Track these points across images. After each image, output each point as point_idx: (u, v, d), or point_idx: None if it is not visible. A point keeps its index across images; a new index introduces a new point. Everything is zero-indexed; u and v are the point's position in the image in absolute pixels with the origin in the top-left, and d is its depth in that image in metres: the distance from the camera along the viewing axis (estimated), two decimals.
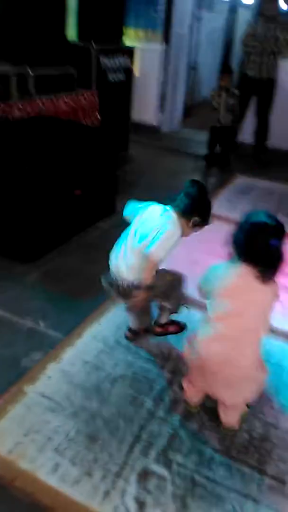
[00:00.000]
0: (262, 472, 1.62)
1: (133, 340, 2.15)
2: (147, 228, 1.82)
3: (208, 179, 4.43)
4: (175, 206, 1.86)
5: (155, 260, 1.77)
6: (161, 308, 2.13)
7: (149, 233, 1.79)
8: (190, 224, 1.85)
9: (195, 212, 1.84)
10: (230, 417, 1.74)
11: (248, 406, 1.82)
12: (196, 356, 1.63)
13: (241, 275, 1.54)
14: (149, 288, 1.83)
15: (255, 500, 1.52)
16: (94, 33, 3.99)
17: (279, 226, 1.51)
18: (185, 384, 1.83)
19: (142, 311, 2.08)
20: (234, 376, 1.61)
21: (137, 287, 1.84)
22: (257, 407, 1.86)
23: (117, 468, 1.57)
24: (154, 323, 2.20)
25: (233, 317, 1.55)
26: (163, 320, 2.17)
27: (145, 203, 1.95)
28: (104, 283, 2.00)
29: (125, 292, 1.90)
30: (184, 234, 1.86)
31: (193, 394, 1.80)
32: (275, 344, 2.20)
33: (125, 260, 1.88)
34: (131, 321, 2.15)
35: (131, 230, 1.92)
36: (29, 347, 2.06)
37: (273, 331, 2.28)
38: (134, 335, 2.15)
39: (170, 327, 2.19)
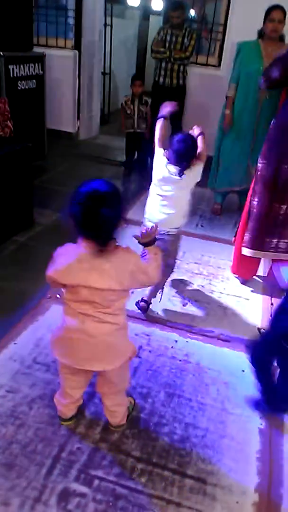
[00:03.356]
0: (182, 474, 1.65)
1: (147, 310, 2.49)
2: None
3: (127, 185, 4.47)
4: None
5: None
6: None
7: None
8: None
9: None
10: (115, 416, 1.73)
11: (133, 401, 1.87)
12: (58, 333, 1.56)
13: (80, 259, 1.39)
14: None
15: (177, 504, 1.55)
16: (1, 41, 3.87)
17: (112, 192, 1.34)
18: (55, 401, 1.76)
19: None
20: (90, 344, 1.49)
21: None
22: (176, 409, 1.90)
23: (36, 493, 1.52)
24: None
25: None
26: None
27: None
28: None
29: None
30: None
31: (64, 409, 1.74)
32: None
33: None
34: (150, 292, 2.47)
35: None
36: None
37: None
38: (148, 305, 2.50)
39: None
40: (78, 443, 1.70)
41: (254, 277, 2.93)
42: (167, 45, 4.55)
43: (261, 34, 3.46)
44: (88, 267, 1.38)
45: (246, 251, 2.68)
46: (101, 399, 1.74)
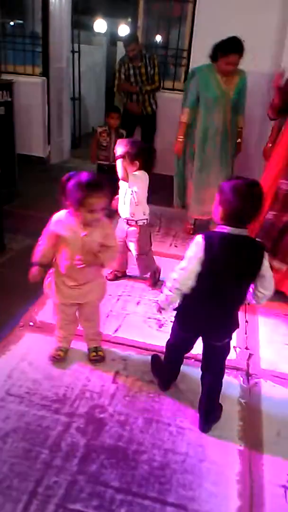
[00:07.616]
0: (163, 502, 1.62)
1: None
2: None
3: None
4: None
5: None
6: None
7: None
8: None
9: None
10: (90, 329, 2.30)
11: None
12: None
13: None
14: None
15: None
16: None
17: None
18: (56, 338, 2.27)
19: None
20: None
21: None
22: (155, 435, 1.88)
23: None
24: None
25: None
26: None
27: None
28: None
29: None
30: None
31: (62, 339, 2.25)
32: None
33: None
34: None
35: None
36: None
37: None
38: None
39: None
40: (55, 477, 1.65)
41: None
42: (132, 79, 4.62)
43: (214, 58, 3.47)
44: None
45: None
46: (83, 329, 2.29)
